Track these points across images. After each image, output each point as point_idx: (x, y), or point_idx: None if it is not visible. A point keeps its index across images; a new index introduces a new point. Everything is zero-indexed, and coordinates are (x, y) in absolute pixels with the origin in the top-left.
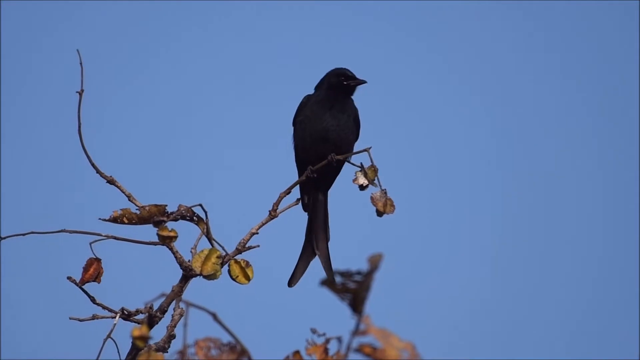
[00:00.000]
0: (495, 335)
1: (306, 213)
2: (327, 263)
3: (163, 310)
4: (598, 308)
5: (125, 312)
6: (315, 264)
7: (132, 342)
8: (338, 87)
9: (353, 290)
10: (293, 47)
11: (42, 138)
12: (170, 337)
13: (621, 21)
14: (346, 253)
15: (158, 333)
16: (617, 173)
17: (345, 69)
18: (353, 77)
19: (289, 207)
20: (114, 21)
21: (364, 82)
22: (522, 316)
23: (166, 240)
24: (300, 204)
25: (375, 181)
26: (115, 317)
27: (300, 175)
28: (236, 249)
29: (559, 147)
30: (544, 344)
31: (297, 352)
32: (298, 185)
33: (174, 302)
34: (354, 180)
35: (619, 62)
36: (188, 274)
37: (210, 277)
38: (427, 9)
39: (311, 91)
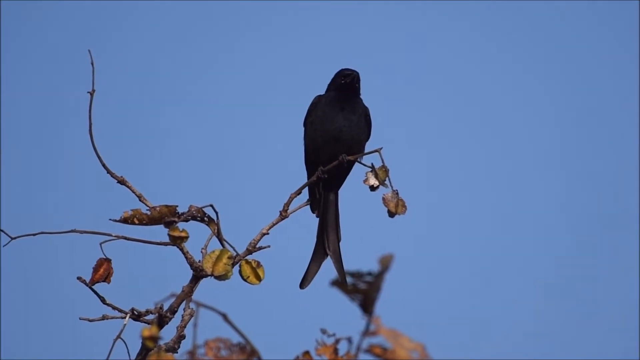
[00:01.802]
0: (496, 337)
1: (314, 215)
2: (339, 264)
3: (173, 310)
4: (597, 307)
5: (135, 312)
6: (326, 264)
7: (142, 343)
8: (341, 87)
9: (363, 290)
10: (300, 48)
11: (53, 138)
12: (180, 337)
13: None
14: (358, 254)
15: (168, 333)
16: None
17: (347, 69)
18: (347, 77)
19: (300, 208)
20: (116, 20)
21: (353, 75)
22: (518, 316)
23: (177, 241)
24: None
25: (386, 182)
26: (125, 318)
27: (309, 175)
28: (247, 249)
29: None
30: (543, 344)
31: (306, 353)
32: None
33: (184, 302)
34: (365, 181)
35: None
36: (199, 275)
37: (221, 277)
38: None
39: (322, 91)
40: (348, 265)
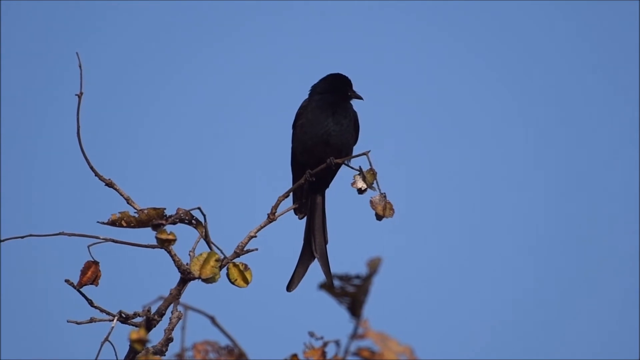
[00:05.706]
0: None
1: (298, 218)
2: (326, 266)
3: (161, 313)
4: (597, 307)
5: (123, 315)
6: (313, 267)
7: (129, 345)
8: (341, 94)
9: (352, 294)
10: (286, 51)
11: (41, 140)
12: (168, 340)
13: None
14: (346, 256)
15: (156, 336)
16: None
17: (345, 76)
18: (352, 88)
19: (288, 210)
20: (116, 23)
21: (361, 98)
22: (515, 319)
23: (164, 244)
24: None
25: (374, 185)
26: (113, 320)
27: (295, 178)
28: (234, 252)
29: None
30: (542, 344)
31: (294, 356)
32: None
33: (172, 305)
34: (353, 184)
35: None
36: (186, 277)
37: (208, 280)
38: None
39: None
40: (335, 268)
